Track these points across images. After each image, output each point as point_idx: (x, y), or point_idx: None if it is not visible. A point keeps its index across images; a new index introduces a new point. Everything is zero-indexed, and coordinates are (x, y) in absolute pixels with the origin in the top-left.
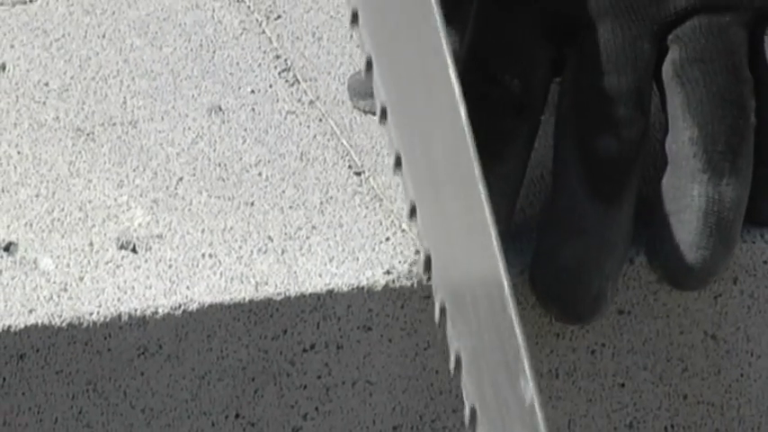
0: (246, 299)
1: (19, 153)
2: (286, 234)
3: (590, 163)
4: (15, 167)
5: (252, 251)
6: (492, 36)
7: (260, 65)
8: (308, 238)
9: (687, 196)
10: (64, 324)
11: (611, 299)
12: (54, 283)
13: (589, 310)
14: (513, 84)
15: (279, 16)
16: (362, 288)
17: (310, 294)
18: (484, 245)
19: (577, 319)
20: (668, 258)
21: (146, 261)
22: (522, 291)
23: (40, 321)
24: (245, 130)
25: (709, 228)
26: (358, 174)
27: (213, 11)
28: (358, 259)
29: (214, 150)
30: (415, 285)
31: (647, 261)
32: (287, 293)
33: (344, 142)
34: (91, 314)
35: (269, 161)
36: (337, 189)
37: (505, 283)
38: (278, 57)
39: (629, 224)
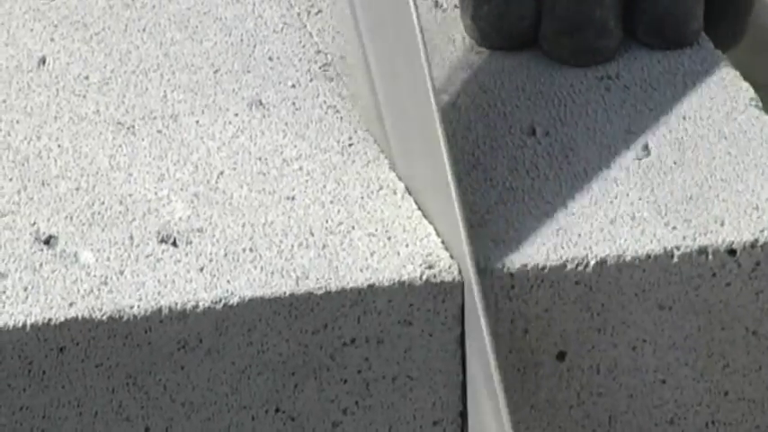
0: (287, 293)
1: (59, 146)
2: (327, 228)
3: None
4: (56, 161)
5: (292, 245)
6: None
7: (300, 59)
8: (348, 232)
9: None
10: (104, 317)
11: (616, 28)
12: (94, 276)
13: (594, 37)
14: None
15: (320, 11)
16: (403, 283)
17: (351, 289)
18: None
19: (587, 47)
20: (646, 8)
21: (186, 255)
22: (564, 285)
23: (80, 315)
24: (286, 124)
25: None
26: None
27: (254, 5)
28: (399, 254)
29: (255, 144)
30: (456, 280)
31: (631, 22)
32: (328, 288)
33: None
34: (131, 308)
35: (310, 155)
36: (378, 184)
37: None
38: (318, 51)
39: None
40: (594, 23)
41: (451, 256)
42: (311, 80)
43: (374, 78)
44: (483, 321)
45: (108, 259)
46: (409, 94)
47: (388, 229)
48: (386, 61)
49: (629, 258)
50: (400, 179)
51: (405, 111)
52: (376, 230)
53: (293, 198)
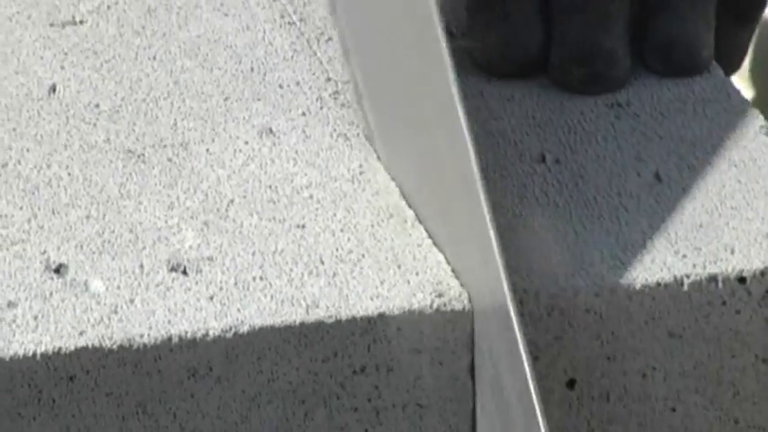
0: (297, 321)
1: (69, 174)
2: (337, 257)
3: None
4: (66, 189)
5: (303, 273)
6: None
7: (311, 87)
8: (359, 260)
9: None
10: (114, 346)
11: (625, 57)
12: (104, 305)
13: (604, 66)
14: None
15: (330, 38)
16: (413, 311)
17: (361, 317)
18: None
19: (597, 76)
20: (655, 35)
21: (196, 283)
22: (574, 313)
23: (90, 343)
24: (296, 152)
25: (687, 3)
26: None
27: (264, 33)
28: (409, 282)
29: (265, 172)
30: (466, 308)
31: (640, 48)
32: (338, 316)
33: None
34: (141, 336)
35: (320, 183)
36: (389, 212)
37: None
38: (329, 79)
39: None
40: (604, 53)
41: (461, 285)
42: (321, 108)
43: (394, 105)
44: (523, 350)
45: (118, 288)
46: (438, 128)
47: (398, 257)
48: (406, 88)
49: (639, 286)
50: (410, 207)
51: (434, 146)
52: (386, 259)
53: (303, 226)
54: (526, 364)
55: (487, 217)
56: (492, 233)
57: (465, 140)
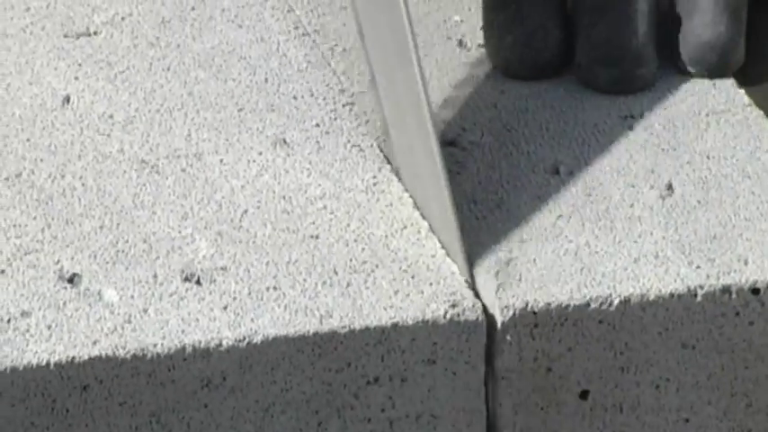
0: (311, 331)
1: (83, 185)
2: (351, 267)
3: None
4: (79, 199)
5: (316, 284)
6: None
7: (325, 98)
8: (372, 271)
9: None
10: (128, 356)
11: (652, 57)
12: (118, 314)
13: (630, 65)
14: None
15: (344, 49)
16: (427, 321)
17: (375, 327)
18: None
19: (624, 76)
20: (687, 37)
21: (210, 293)
22: (587, 324)
23: (103, 353)
24: (310, 162)
25: (720, 6)
26: None
27: (278, 44)
28: (423, 293)
29: (278, 183)
30: (480, 319)
31: (672, 51)
32: (351, 326)
33: None
34: (155, 346)
35: (334, 194)
36: (402, 222)
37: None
38: (342, 90)
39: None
40: (631, 52)
41: (475, 295)
42: (335, 119)
43: (387, 122)
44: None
45: (132, 297)
46: (414, 130)
47: (412, 267)
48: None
49: (652, 297)
50: (424, 217)
51: (412, 148)
52: (400, 269)
53: (317, 237)
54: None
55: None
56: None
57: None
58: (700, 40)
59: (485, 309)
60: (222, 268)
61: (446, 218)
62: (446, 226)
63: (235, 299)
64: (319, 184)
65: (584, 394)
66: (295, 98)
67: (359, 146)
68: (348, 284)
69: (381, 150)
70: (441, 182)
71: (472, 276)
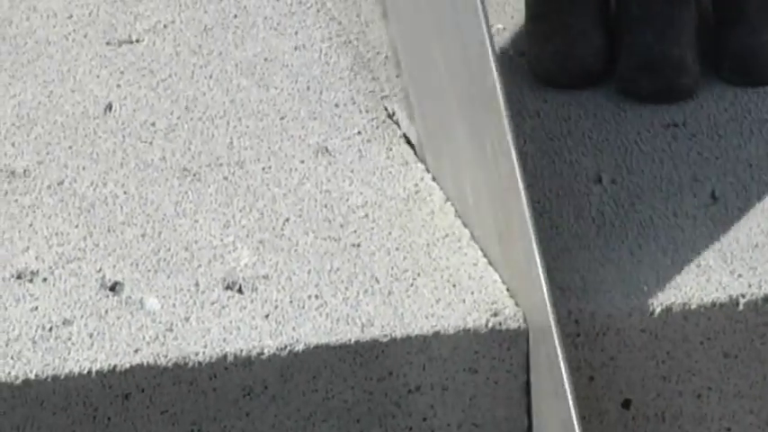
0: (352, 340)
1: (125, 193)
2: (392, 275)
3: None
4: (121, 207)
5: (358, 292)
6: None
7: (367, 106)
8: (414, 279)
9: None
10: (169, 364)
11: (694, 66)
12: (159, 323)
13: (673, 75)
14: None
15: (386, 57)
16: (468, 330)
17: (416, 336)
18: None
19: (666, 85)
20: (731, 46)
21: (251, 301)
22: (629, 333)
23: (145, 361)
24: (352, 171)
25: (763, 15)
26: None
27: (320, 52)
28: (464, 301)
29: (320, 191)
30: (522, 328)
31: (716, 60)
32: (393, 335)
33: None
34: (196, 354)
35: (375, 203)
36: (444, 231)
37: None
38: (385, 97)
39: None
40: (673, 61)
41: (517, 304)
42: (377, 127)
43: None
44: (563, 368)
45: (173, 306)
46: (490, 145)
47: (454, 276)
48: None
49: (694, 306)
50: (465, 226)
51: (483, 160)
52: (441, 278)
53: (359, 245)
54: (567, 386)
55: (534, 241)
56: (538, 257)
57: (513, 163)
58: (743, 48)
59: (526, 318)
60: (264, 276)
61: (524, 229)
62: (523, 236)
63: (276, 307)
64: (361, 193)
65: (626, 403)
66: (337, 106)
67: (401, 154)
68: (390, 293)
69: (422, 160)
70: (521, 194)
71: (551, 288)
